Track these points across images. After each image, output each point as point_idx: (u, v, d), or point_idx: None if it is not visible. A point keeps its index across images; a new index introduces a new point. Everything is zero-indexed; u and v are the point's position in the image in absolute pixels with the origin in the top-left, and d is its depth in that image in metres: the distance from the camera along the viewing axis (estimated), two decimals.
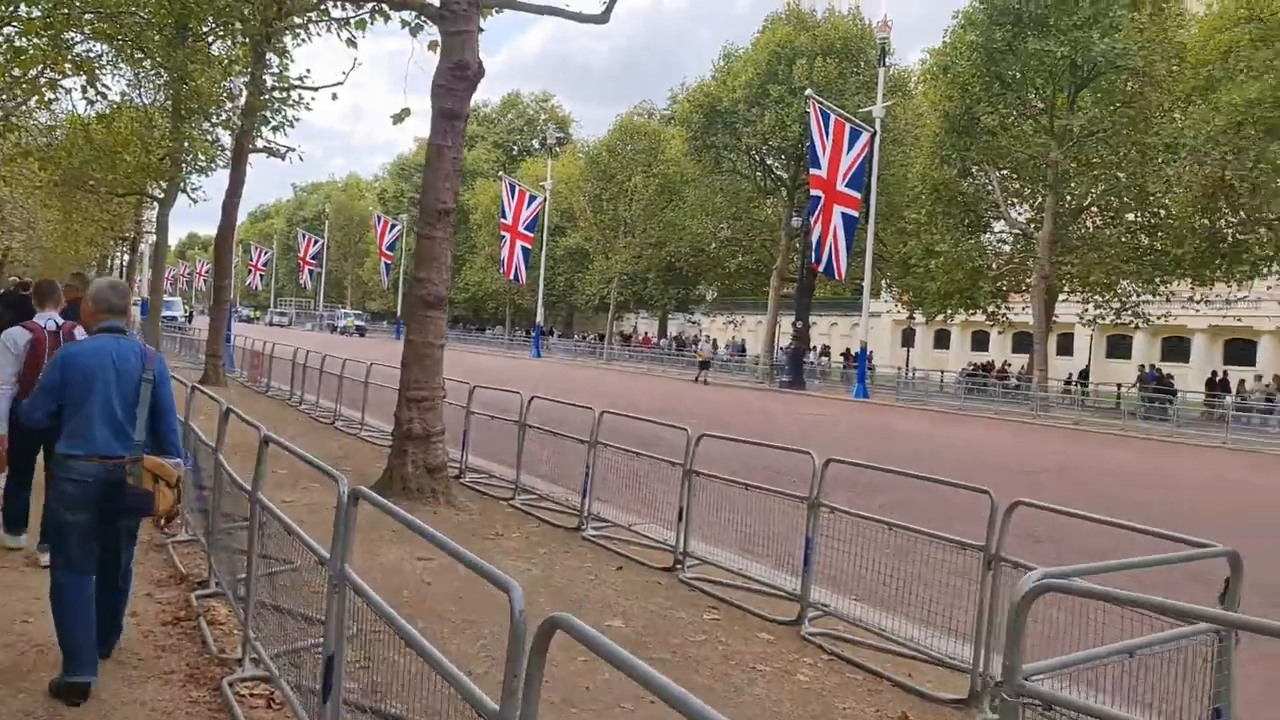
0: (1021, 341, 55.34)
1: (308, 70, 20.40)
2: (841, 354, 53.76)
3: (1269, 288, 33.74)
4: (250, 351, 24.37)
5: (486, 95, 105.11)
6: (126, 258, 48.22)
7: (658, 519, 8.34)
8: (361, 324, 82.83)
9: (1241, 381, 35.89)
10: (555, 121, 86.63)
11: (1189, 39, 29.52)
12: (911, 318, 47.26)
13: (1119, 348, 50.66)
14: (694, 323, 66.26)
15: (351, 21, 12.73)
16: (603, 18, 10.43)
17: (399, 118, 11.47)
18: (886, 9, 36.81)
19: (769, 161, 46.05)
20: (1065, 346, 50.88)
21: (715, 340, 56.86)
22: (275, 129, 19.82)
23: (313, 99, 20.27)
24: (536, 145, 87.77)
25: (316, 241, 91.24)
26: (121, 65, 27.57)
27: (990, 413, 31.91)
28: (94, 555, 4.47)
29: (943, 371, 46.22)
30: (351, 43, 12.63)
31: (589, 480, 8.87)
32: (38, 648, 4.77)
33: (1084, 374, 39.77)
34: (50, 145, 21.19)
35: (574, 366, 47.99)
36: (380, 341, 68.52)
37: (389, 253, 76.49)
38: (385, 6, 10.42)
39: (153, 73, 27.89)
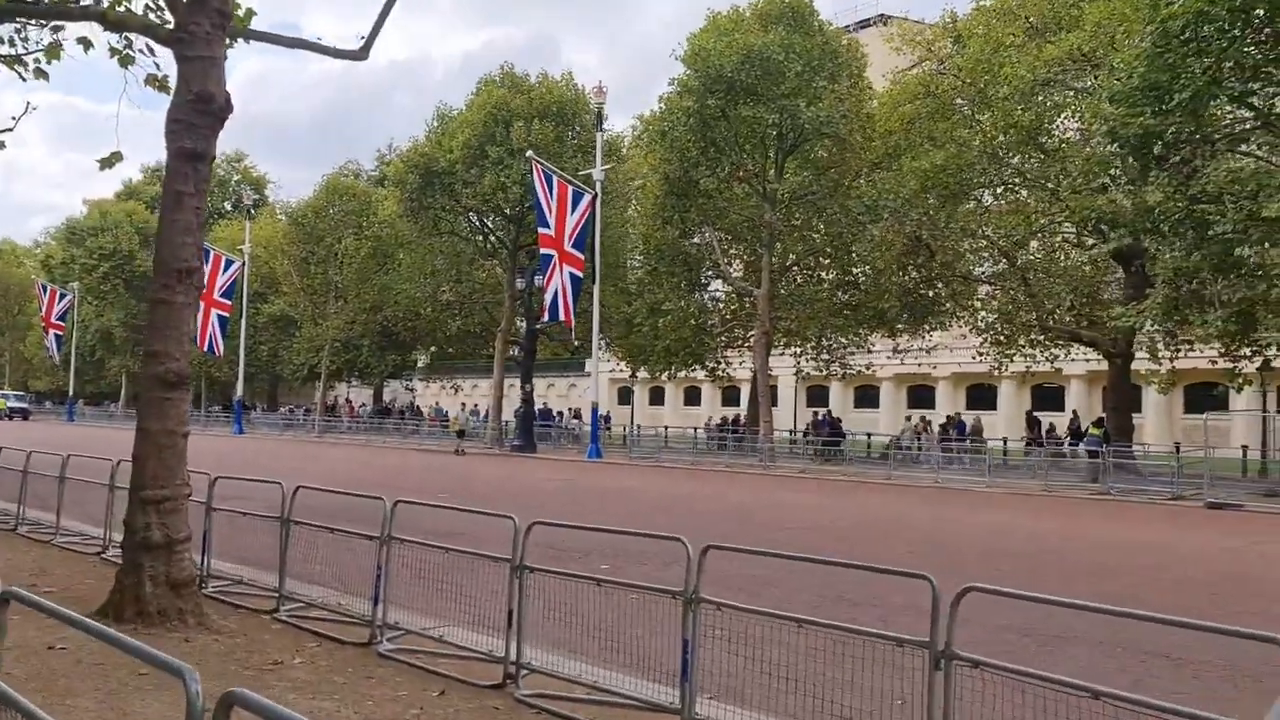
0: (729, 395, 58.31)
1: None
2: (571, 414, 53.77)
3: (955, 339, 37.46)
4: None
5: None
6: None
7: (471, 621, 7.23)
8: (25, 405, 72.68)
9: (911, 417, 39.71)
10: (250, 183, 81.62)
11: (875, 110, 32.39)
12: (633, 376, 48.13)
13: (816, 398, 54.48)
14: (410, 389, 63.88)
15: (42, 51, 10.65)
16: (361, 54, 9.35)
17: (109, 161, 9.66)
18: (597, 76, 37.72)
19: (489, 223, 45.42)
20: (773, 397, 54.12)
21: (474, 407, 54.77)
22: None
23: None
24: (229, 207, 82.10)
25: None
26: None
27: (721, 465, 32.78)
28: None
29: (667, 427, 47.30)
30: (41, 74, 10.54)
31: (381, 582, 7.58)
32: None
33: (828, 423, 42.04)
34: None
35: (287, 443, 44.42)
36: (51, 425, 60.40)
37: (59, 324, 67.91)
38: (99, 26, 8.66)
39: None
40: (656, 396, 65.42)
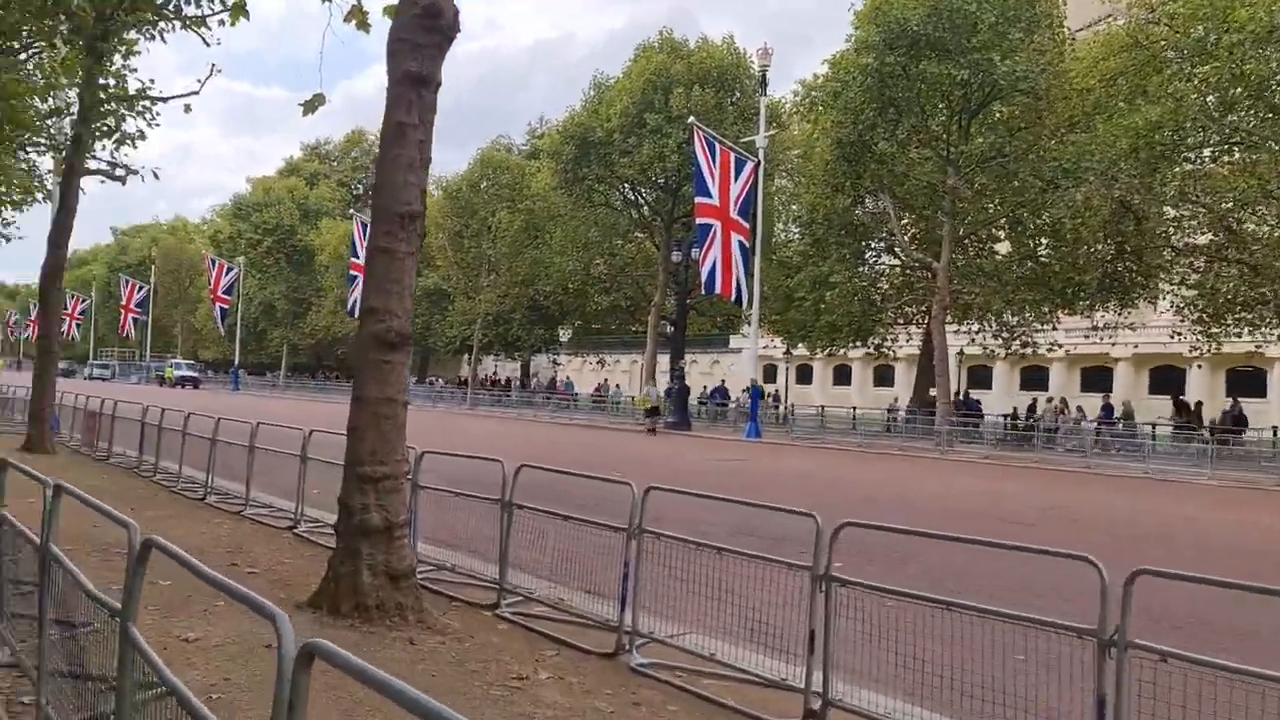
0: (882, 375, 55.77)
1: (150, 80, 17.05)
2: (718, 391, 52.44)
3: (1161, 313, 34.28)
4: (84, 411, 20.43)
5: (328, 132, 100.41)
6: None
7: (746, 634, 5.99)
8: (195, 375, 76.25)
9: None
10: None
11: (1075, 65, 29.57)
12: (788, 353, 46.41)
13: (979, 379, 51.43)
14: (556, 363, 63.77)
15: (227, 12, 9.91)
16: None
17: (311, 105, 8.80)
18: (764, 39, 35.93)
19: (644, 195, 44.36)
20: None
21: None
22: (118, 143, 16.33)
23: (158, 115, 17.02)
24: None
25: (141, 287, 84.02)
26: None
27: (894, 448, 30.86)
28: None
29: (823, 407, 45.38)
30: (241, 10, 9.78)
31: (630, 583, 6.41)
32: None
33: (966, 403, 39.56)
34: None
35: (444, 416, 44.61)
36: (218, 393, 62.92)
37: (225, 297, 70.84)
38: None
39: None
40: (803, 375, 63.33)
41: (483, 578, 8.07)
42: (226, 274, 71.01)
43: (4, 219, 28.49)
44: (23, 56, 23.93)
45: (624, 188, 44.33)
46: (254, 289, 76.78)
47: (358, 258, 53.83)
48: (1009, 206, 31.19)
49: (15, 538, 5.21)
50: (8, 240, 30.20)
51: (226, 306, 71.66)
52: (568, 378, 63.25)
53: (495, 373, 68.24)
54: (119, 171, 18.26)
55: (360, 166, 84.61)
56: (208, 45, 16.09)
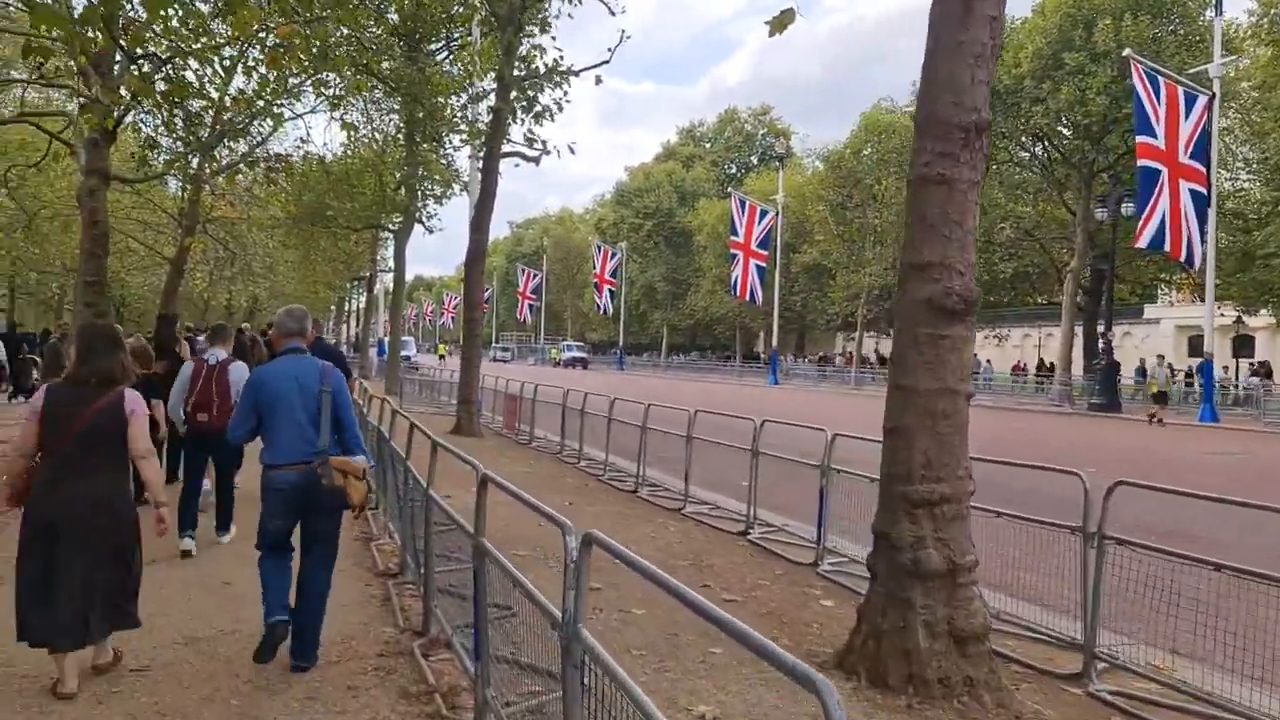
0: None
1: (560, 54, 16.53)
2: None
3: None
4: (504, 394, 20.83)
5: (701, 114, 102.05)
6: (363, 299, 47.24)
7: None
8: (583, 356, 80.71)
9: None
10: (776, 134, 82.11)
11: None
12: (1239, 321, 39.24)
13: None
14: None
15: None
16: None
17: (780, 23, 7.04)
18: None
19: (1059, 146, 39.30)
20: None
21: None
22: (537, 116, 15.99)
23: (567, 92, 16.50)
24: (755, 160, 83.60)
25: (535, 275, 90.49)
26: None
27: None
28: (288, 545, 5.15)
29: None
30: None
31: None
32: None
33: None
34: (294, 172, 18.32)
35: (837, 396, 42.67)
36: (605, 373, 65.66)
37: (610, 280, 74.00)
38: None
39: (385, 98, 25.54)
40: (1242, 346, 53.84)
41: (1049, 632, 5.90)
42: (611, 259, 74.12)
43: (428, 212, 30.67)
44: (440, 55, 25.22)
45: (1031, 141, 39.57)
46: (635, 272, 79.60)
47: (737, 235, 53.37)
48: None
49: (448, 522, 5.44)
50: (431, 232, 32.49)
51: (613, 289, 74.81)
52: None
53: (877, 349, 65.17)
54: (533, 151, 18.10)
55: (733, 146, 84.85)
56: (613, 14, 15.30)
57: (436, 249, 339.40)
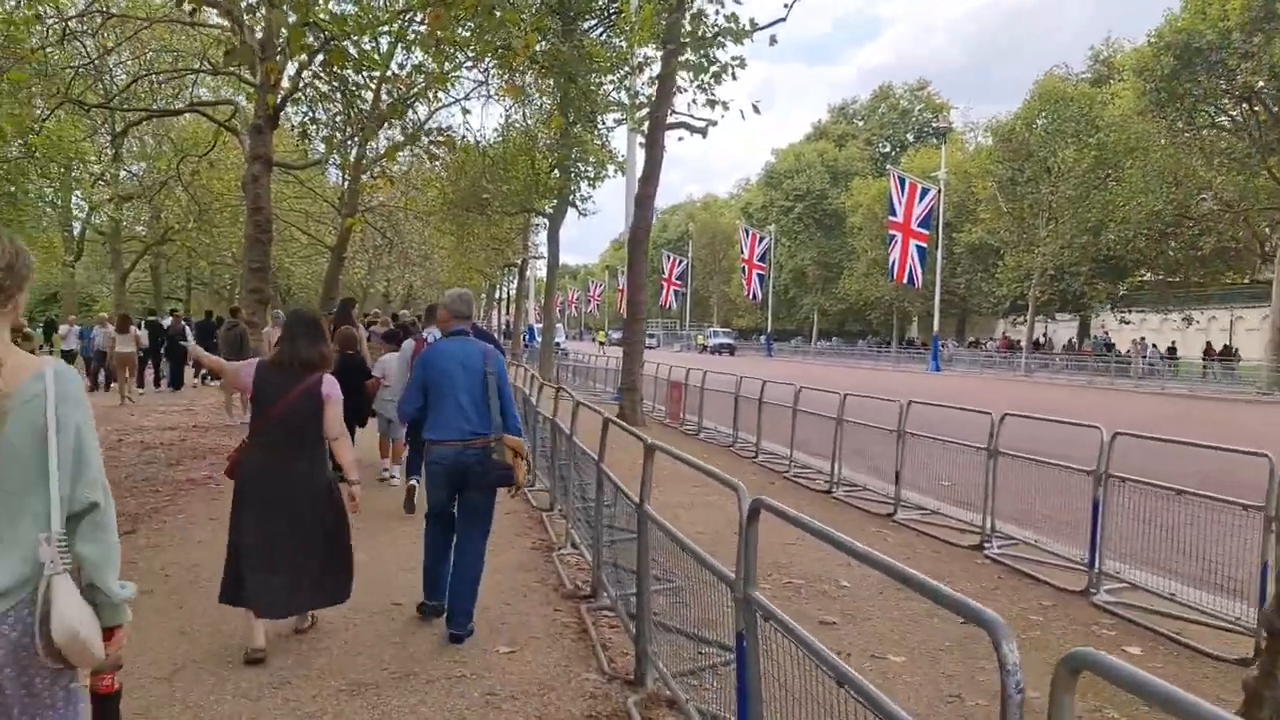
0: None
1: (738, 7, 15.13)
2: None
3: None
4: (668, 382, 19.75)
5: (855, 92, 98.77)
6: (514, 285, 47.25)
7: None
8: (730, 342, 79.27)
9: None
10: (934, 109, 78.37)
11: None
12: None
13: None
14: (1126, 322, 55.03)
15: None
16: None
17: None
18: None
19: (1271, 107, 35.37)
20: None
21: None
22: (715, 76, 14.72)
23: (738, 58, 15.10)
24: (911, 138, 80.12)
25: (681, 261, 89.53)
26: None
27: None
28: (449, 514, 5.41)
29: None
30: None
31: None
32: None
33: None
34: (455, 146, 17.73)
35: (1007, 384, 39.96)
36: (755, 360, 64.06)
37: (759, 264, 72.22)
38: None
39: (539, 79, 24.83)
40: None
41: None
42: (759, 243, 72.34)
43: (581, 194, 29.88)
44: (597, 31, 24.28)
45: (1235, 103, 35.76)
46: (784, 256, 77.54)
47: (895, 215, 50.88)
48: None
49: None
50: (583, 215, 31.79)
51: (761, 273, 73.05)
52: (1104, 330, 54.70)
53: (1046, 333, 61.20)
54: (698, 122, 16.88)
55: (887, 123, 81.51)
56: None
57: (579, 236, 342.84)
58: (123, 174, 37.63)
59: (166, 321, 24.77)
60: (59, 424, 2.10)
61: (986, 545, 7.90)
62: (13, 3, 18.04)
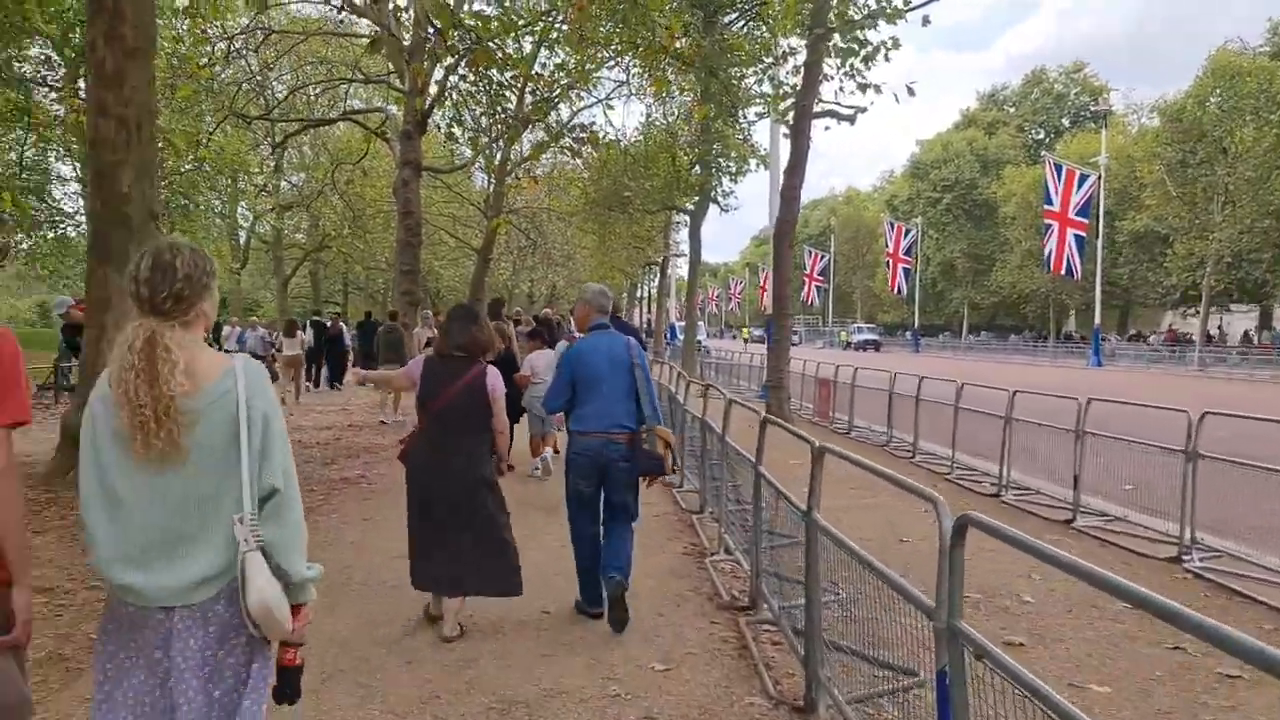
0: None
1: None
2: None
3: None
4: (815, 379, 19.17)
5: (1005, 77, 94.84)
6: (655, 283, 47.25)
7: None
8: (876, 338, 77.24)
9: None
10: (1092, 92, 74.27)
11: None
12: None
13: None
14: None
15: None
16: None
17: None
18: None
19: None
20: None
21: None
22: (866, 59, 14.10)
23: (896, 39, 14.41)
24: (1066, 123, 76.18)
25: (823, 257, 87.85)
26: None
27: None
28: (595, 505, 5.43)
29: None
30: None
31: None
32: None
33: None
34: (600, 142, 17.72)
35: (1184, 379, 37.38)
36: (902, 356, 62.18)
37: (905, 258, 70.05)
38: None
39: (678, 76, 24.60)
40: None
41: None
42: (905, 235, 70.21)
43: (723, 190, 29.48)
44: (738, 25, 23.87)
45: None
46: (931, 249, 75.02)
47: (1051, 204, 48.37)
48: None
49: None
50: (724, 210, 31.36)
51: (908, 267, 70.89)
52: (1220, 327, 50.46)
53: (1221, 325, 57.07)
54: (847, 110, 16.25)
55: (1040, 109, 77.74)
56: None
57: (718, 233, 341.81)
58: (283, 185, 39.51)
59: (328, 323, 25.79)
60: (248, 413, 2.27)
61: (1186, 557, 7.13)
62: (183, 26, 19.03)
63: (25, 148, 28.82)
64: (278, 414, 2.35)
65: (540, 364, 10.13)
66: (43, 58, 22.59)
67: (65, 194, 36.29)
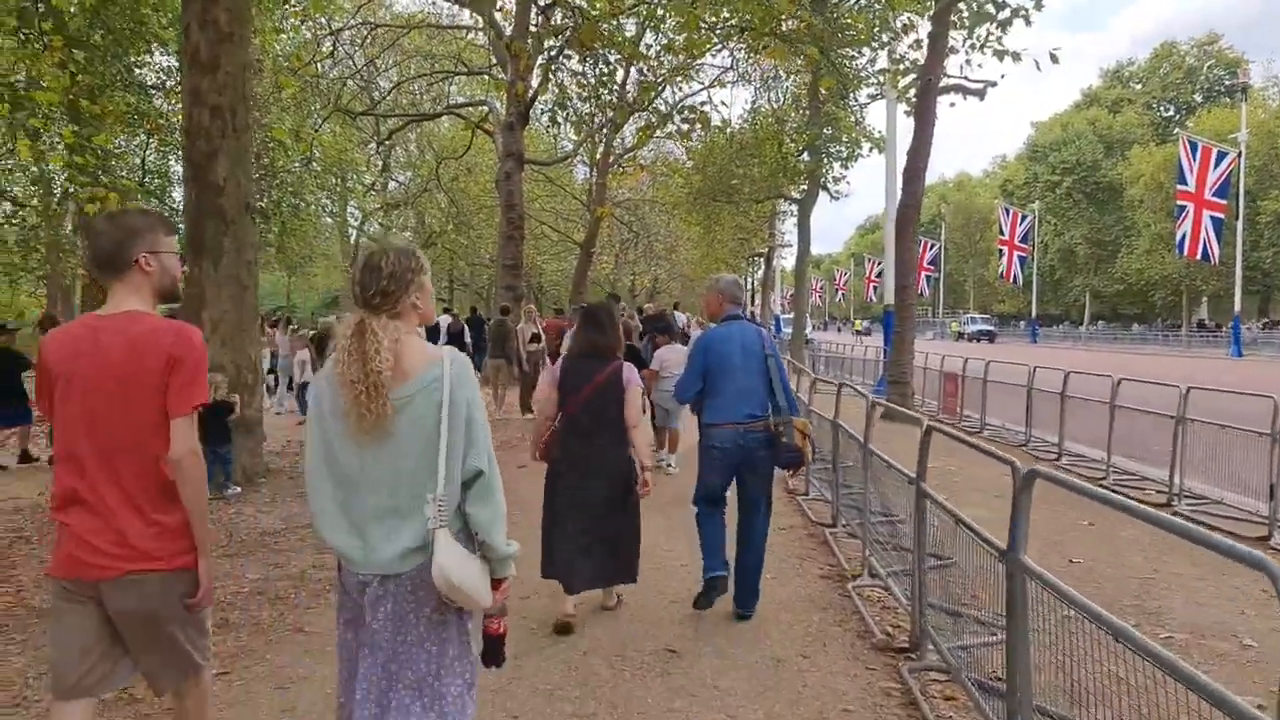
0: None
1: None
2: None
3: None
4: (939, 373, 17.98)
5: (1131, 53, 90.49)
6: (760, 275, 46.15)
7: None
8: (990, 328, 74.34)
9: None
10: (1226, 65, 69.89)
11: None
12: None
13: None
14: None
15: None
16: None
17: None
18: None
19: None
20: None
21: None
22: (1003, 25, 12.94)
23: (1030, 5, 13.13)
24: (1199, 99, 71.87)
25: (933, 245, 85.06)
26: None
27: None
28: (723, 500, 5.32)
29: None
30: None
31: None
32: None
33: None
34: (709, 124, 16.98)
35: None
36: (1018, 347, 59.51)
37: (1022, 245, 67.11)
38: None
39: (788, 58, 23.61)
40: None
41: None
42: (1021, 222, 67.32)
43: (834, 176, 28.30)
44: (850, 2, 22.75)
45: None
46: (1050, 235, 71.77)
47: (1185, 184, 45.43)
48: None
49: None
50: (834, 198, 30.13)
51: (1024, 255, 67.96)
52: None
53: None
54: (976, 84, 15.08)
55: (1170, 84, 73.52)
56: None
57: (822, 224, 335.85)
58: (390, 184, 39.87)
59: (446, 320, 25.58)
60: (452, 400, 2.44)
61: None
62: (288, 25, 18.95)
63: (148, 152, 29.57)
64: (480, 404, 2.51)
65: (671, 358, 9.86)
66: (164, 65, 22.96)
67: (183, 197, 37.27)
